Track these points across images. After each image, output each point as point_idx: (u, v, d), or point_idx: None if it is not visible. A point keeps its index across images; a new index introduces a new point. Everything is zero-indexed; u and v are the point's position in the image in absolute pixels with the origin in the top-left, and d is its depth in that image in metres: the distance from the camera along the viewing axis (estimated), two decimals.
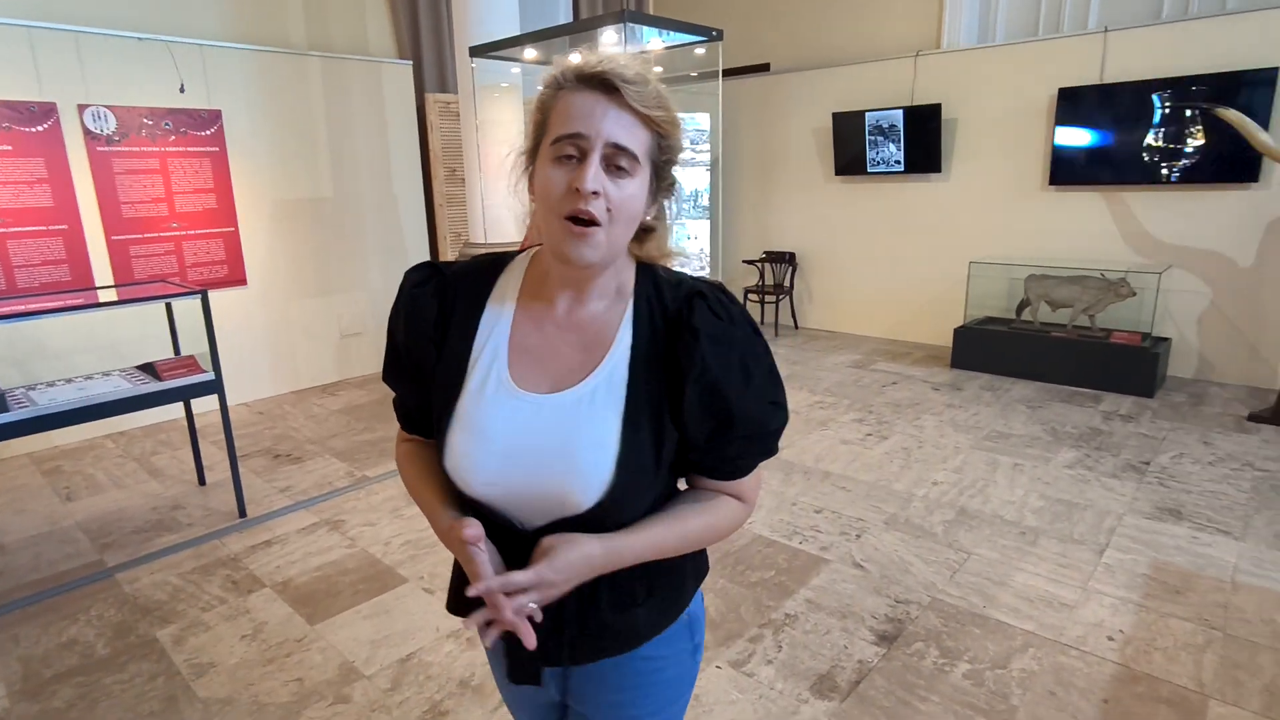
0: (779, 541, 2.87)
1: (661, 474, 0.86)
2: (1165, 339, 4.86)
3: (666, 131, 0.80)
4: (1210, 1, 4.79)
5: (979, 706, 1.97)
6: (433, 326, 0.88)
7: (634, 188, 0.79)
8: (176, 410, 4.54)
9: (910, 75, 5.77)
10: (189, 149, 4.45)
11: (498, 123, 4.39)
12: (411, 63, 5.66)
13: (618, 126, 0.76)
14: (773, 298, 6.68)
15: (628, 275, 0.86)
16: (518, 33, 4.17)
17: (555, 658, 0.88)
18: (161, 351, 3.76)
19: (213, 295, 4.52)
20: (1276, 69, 4.25)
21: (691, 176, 4.76)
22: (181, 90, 4.37)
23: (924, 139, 5.64)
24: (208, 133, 4.51)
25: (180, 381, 2.96)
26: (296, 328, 5.18)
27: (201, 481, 3.57)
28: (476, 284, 0.89)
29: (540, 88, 0.81)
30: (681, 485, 0.95)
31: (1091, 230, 5.13)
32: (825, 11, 6.36)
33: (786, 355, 5.82)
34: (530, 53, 3.75)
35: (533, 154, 0.82)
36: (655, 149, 0.80)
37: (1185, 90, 4.55)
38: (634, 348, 0.84)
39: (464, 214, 5.38)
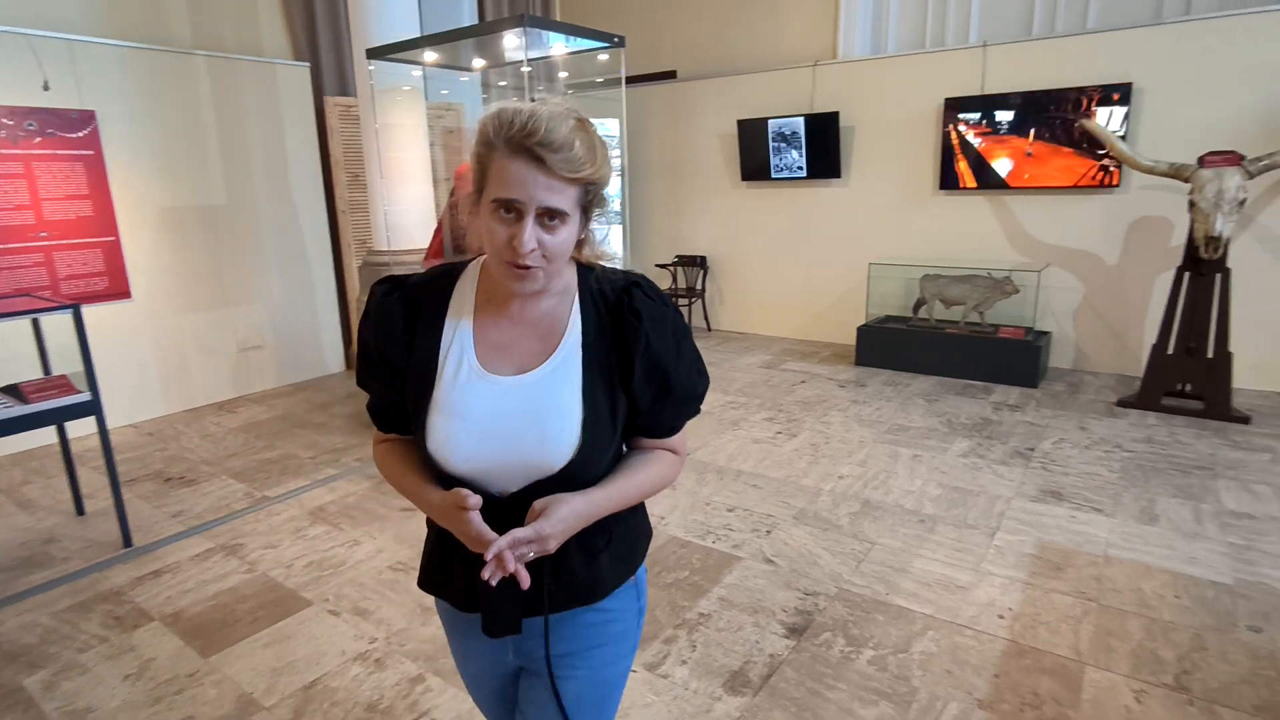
0: (693, 542, 2.92)
1: (617, 436, 1.01)
2: (1046, 333, 5.22)
3: (592, 180, 0.91)
4: (1073, 21, 5.19)
5: (883, 690, 2.05)
6: (402, 329, 0.99)
7: (565, 233, 0.90)
8: (49, 435, 4.19)
9: (810, 84, 5.98)
10: (58, 152, 4.13)
11: (400, 126, 4.27)
12: (309, 65, 5.44)
13: (548, 193, 0.86)
14: (685, 300, 6.78)
15: (570, 275, 1.00)
16: (418, 35, 4.08)
17: (535, 608, 0.98)
18: (33, 373, 3.47)
19: (93, 310, 4.22)
20: (1131, 84, 4.64)
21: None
22: (45, 88, 4.04)
23: (824, 145, 5.86)
24: (80, 135, 4.20)
25: (49, 404, 2.73)
26: (189, 342, 4.89)
27: (80, 511, 3.31)
28: (436, 291, 1.01)
29: (476, 137, 0.91)
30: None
31: (978, 232, 5.45)
32: (728, 21, 6.52)
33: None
34: (431, 55, 3.67)
35: (478, 194, 0.92)
36: (583, 195, 0.91)
37: (1055, 101, 4.91)
38: (584, 333, 0.98)
39: (368, 220, 5.21)
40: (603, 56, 3.48)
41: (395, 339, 0.98)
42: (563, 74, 3.99)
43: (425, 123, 4.37)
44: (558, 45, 3.47)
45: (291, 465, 3.86)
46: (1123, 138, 4.62)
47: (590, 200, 0.93)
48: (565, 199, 0.88)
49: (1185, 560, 2.68)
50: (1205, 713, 1.94)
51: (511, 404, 0.94)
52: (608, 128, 6.15)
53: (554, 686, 1.02)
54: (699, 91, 6.63)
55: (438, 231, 3.82)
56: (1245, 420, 4.07)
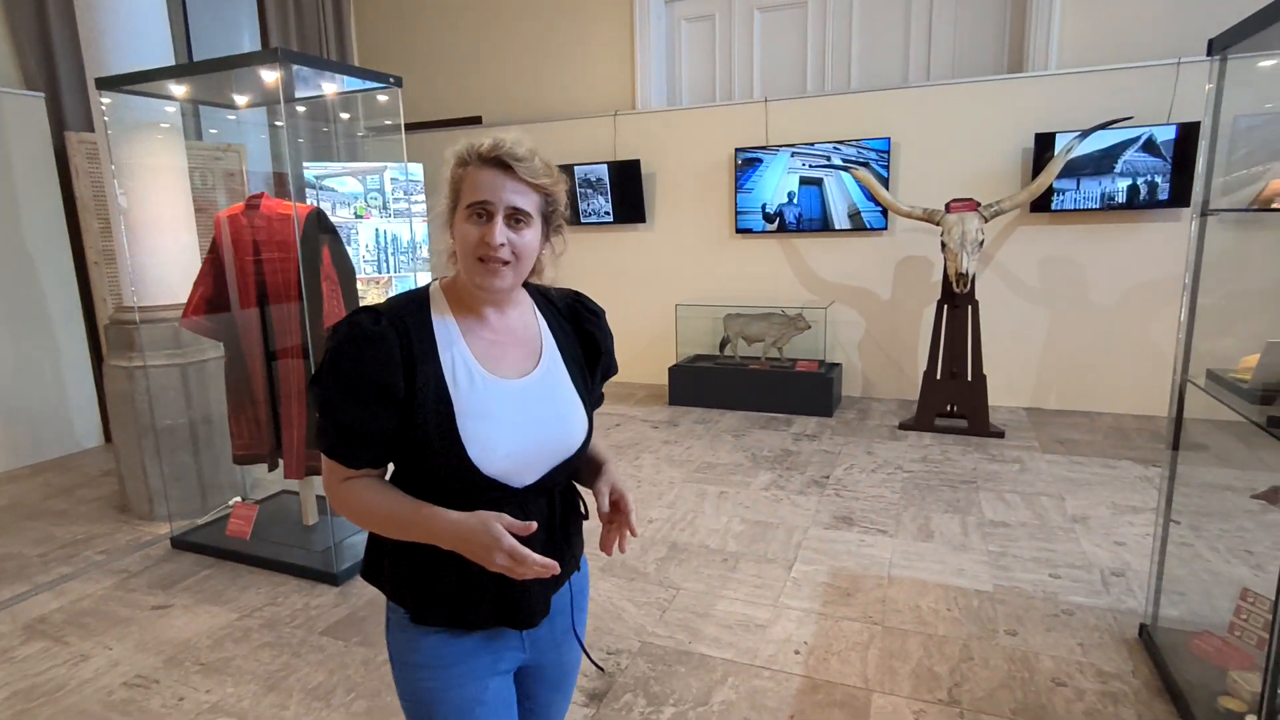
0: None
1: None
2: (837, 364, 5.62)
3: (551, 191, 1.07)
4: (839, 82, 5.75)
5: None
6: (400, 353, 1.02)
7: (530, 234, 1.05)
8: None
9: (612, 133, 6.13)
10: None
11: (154, 168, 3.78)
12: (44, 95, 4.75)
13: (515, 194, 1.02)
14: None
15: (523, 293, 1.19)
16: (172, 64, 3.65)
17: (555, 585, 1.14)
18: None
19: None
20: (889, 138, 5.19)
21: (411, 228, 4.56)
22: None
23: (628, 192, 6.00)
24: None
25: None
26: None
27: None
28: (415, 315, 1.07)
29: (451, 164, 1.06)
30: None
31: (772, 273, 5.80)
32: (532, 69, 6.56)
33: None
34: (182, 90, 3.29)
35: (451, 212, 1.07)
36: (543, 204, 1.07)
37: (828, 153, 5.37)
38: (554, 335, 1.17)
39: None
40: (382, 98, 3.30)
41: (394, 365, 1.02)
42: (344, 114, 3.75)
43: (186, 163, 3.91)
44: (327, 85, 3.24)
45: (10, 568, 3.20)
46: (885, 185, 5.13)
47: (550, 211, 1.08)
48: (529, 202, 1.03)
49: (954, 572, 2.90)
50: None
51: (528, 401, 1.08)
52: (412, 172, 5.91)
53: (579, 639, 1.24)
54: None
55: (199, 282, 3.40)
56: (1000, 435, 4.58)
